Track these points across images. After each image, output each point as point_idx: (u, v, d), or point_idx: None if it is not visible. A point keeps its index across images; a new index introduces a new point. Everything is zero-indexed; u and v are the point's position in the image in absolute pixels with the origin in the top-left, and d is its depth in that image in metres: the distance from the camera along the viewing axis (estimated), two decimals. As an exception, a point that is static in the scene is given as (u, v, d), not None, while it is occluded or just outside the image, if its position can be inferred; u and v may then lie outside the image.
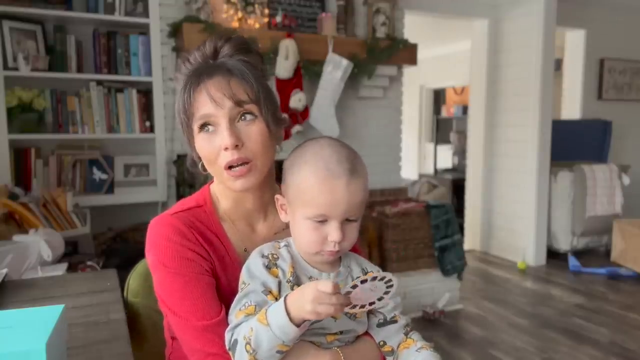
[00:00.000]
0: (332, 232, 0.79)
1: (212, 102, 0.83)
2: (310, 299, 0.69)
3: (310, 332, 0.82)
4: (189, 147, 0.91)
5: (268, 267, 0.81)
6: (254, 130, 0.85)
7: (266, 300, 0.78)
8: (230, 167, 0.85)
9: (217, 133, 0.85)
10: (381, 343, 0.88)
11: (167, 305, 0.86)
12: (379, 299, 0.75)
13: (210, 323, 0.83)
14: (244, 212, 0.94)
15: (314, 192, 0.79)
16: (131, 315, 1.13)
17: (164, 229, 0.88)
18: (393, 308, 0.89)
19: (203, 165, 0.91)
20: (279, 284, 0.81)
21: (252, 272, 0.82)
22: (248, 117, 0.85)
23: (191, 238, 0.88)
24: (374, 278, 0.72)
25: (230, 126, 0.84)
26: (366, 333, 0.89)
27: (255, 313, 0.77)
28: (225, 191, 0.93)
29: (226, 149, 0.84)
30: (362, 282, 0.71)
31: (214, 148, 0.85)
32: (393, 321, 0.88)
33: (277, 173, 0.94)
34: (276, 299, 0.79)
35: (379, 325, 0.88)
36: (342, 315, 0.83)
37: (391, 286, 0.73)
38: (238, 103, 0.84)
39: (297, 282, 0.81)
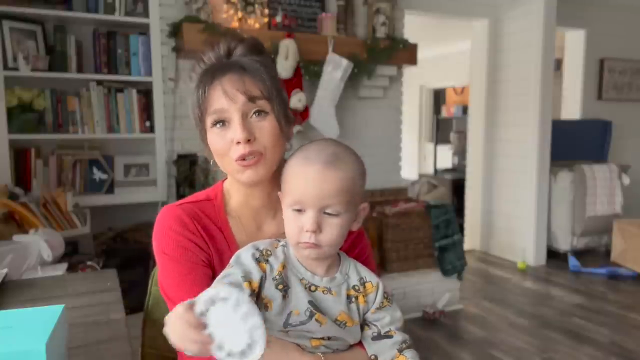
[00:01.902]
0: (306, 220, 0.80)
1: (226, 97, 0.85)
2: (167, 321, 0.64)
3: (294, 333, 0.81)
4: (202, 142, 0.92)
5: (257, 260, 0.81)
6: (266, 125, 0.87)
7: (241, 285, 0.77)
8: (241, 159, 0.86)
9: (229, 128, 0.86)
10: (372, 357, 0.86)
11: (164, 291, 0.89)
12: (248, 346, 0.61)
13: None
14: (252, 209, 0.95)
15: (291, 178, 0.82)
16: (153, 303, 1.13)
17: (168, 218, 0.91)
18: (389, 322, 0.86)
19: (215, 162, 0.92)
20: (263, 278, 0.80)
21: (240, 259, 0.82)
22: (260, 113, 0.87)
23: (192, 229, 0.89)
24: (224, 299, 0.61)
25: (243, 121, 0.85)
26: (360, 344, 0.88)
27: None
28: (235, 185, 0.94)
29: (238, 142, 0.85)
30: (224, 299, 0.61)
31: (226, 142, 0.86)
32: (387, 336, 0.85)
33: None
34: (253, 291, 0.78)
35: (374, 338, 0.86)
36: (329, 320, 0.81)
37: (259, 327, 0.61)
38: (251, 99, 0.85)
39: (282, 282, 0.81)
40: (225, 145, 0.86)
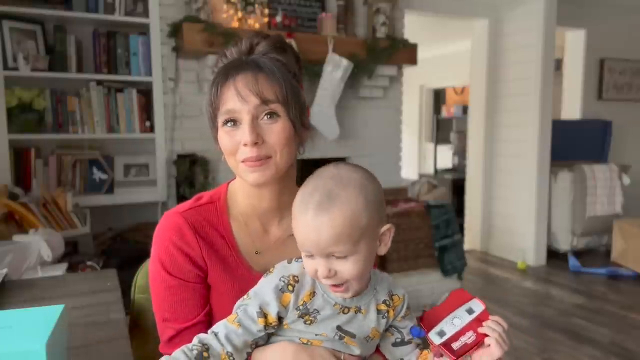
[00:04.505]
0: (318, 267, 0.75)
1: (238, 97, 0.83)
2: None
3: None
4: (213, 139, 0.91)
5: (281, 291, 0.78)
6: (277, 127, 0.85)
7: (255, 321, 0.76)
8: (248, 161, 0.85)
9: (239, 128, 0.85)
10: None
11: (153, 297, 0.92)
12: None
13: (173, 326, 0.88)
14: (259, 211, 0.93)
15: (293, 221, 0.78)
16: (137, 311, 1.13)
17: (168, 228, 0.90)
18: None
19: (226, 159, 0.91)
20: (283, 310, 0.78)
21: (260, 290, 0.79)
22: (272, 116, 0.85)
23: (190, 241, 0.89)
24: None
25: (253, 123, 0.84)
26: (377, 351, 0.88)
27: (237, 326, 0.76)
28: (243, 186, 0.92)
29: (245, 144, 0.84)
30: None
31: (234, 142, 0.85)
32: (410, 342, 0.86)
33: (300, 175, 0.93)
34: (267, 325, 0.77)
35: (395, 344, 0.86)
36: (358, 340, 0.81)
37: None
38: (264, 101, 0.83)
39: (306, 312, 0.78)
40: (233, 145, 0.86)
